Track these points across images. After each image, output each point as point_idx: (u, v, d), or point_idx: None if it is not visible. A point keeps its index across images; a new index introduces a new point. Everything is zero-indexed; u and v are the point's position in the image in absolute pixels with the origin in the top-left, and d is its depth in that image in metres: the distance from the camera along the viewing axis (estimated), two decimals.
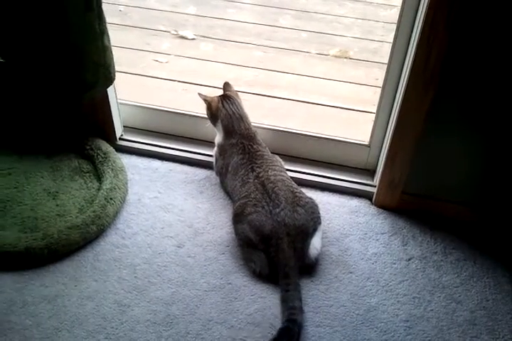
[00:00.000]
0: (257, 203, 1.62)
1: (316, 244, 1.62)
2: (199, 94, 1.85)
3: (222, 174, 1.85)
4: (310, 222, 1.62)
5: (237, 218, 1.65)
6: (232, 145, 1.78)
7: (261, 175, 1.68)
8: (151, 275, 1.62)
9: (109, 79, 1.75)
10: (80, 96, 1.79)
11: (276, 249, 1.56)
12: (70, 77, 1.69)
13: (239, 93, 1.91)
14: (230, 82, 1.92)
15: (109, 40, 1.67)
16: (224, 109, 1.81)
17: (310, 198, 1.69)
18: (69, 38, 1.59)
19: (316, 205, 1.69)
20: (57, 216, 1.75)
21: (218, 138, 1.85)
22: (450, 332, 1.52)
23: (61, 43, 1.61)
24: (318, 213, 1.67)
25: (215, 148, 1.87)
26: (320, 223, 1.66)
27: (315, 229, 1.63)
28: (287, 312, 1.46)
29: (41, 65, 1.69)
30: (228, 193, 1.85)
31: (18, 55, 1.69)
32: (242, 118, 1.81)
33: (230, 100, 1.83)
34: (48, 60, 1.66)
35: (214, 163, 1.89)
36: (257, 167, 1.71)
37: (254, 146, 1.76)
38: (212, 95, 1.87)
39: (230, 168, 1.78)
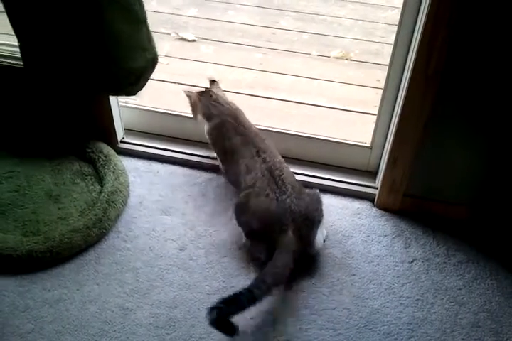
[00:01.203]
0: (263, 191, 1.60)
1: (319, 236, 1.61)
2: (184, 90, 1.87)
3: (222, 161, 1.83)
4: (315, 211, 1.61)
5: (242, 208, 1.64)
6: (217, 125, 1.79)
7: (268, 160, 1.67)
8: (153, 279, 1.62)
9: (155, 63, 1.70)
10: (131, 87, 1.70)
11: (280, 235, 1.54)
12: (115, 67, 1.62)
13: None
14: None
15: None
16: (201, 102, 1.84)
17: (315, 190, 1.69)
18: (110, 24, 1.53)
19: (320, 197, 1.67)
20: (59, 219, 1.75)
21: (205, 128, 1.85)
22: (453, 335, 1.51)
23: (100, 29, 1.53)
24: (322, 206, 1.66)
25: (208, 139, 1.87)
26: (323, 216, 1.65)
27: (319, 221, 1.62)
28: (254, 282, 1.45)
29: (82, 58, 1.61)
30: (232, 182, 1.82)
31: (62, 47, 1.60)
32: (219, 103, 1.82)
33: (207, 93, 1.86)
34: (89, 52, 1.59)
35: (216, 156, 1.87)
36: (262, 152, 1.69)
37: (246, 125, 1.76)
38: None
39: (227, 153, 1.77)
